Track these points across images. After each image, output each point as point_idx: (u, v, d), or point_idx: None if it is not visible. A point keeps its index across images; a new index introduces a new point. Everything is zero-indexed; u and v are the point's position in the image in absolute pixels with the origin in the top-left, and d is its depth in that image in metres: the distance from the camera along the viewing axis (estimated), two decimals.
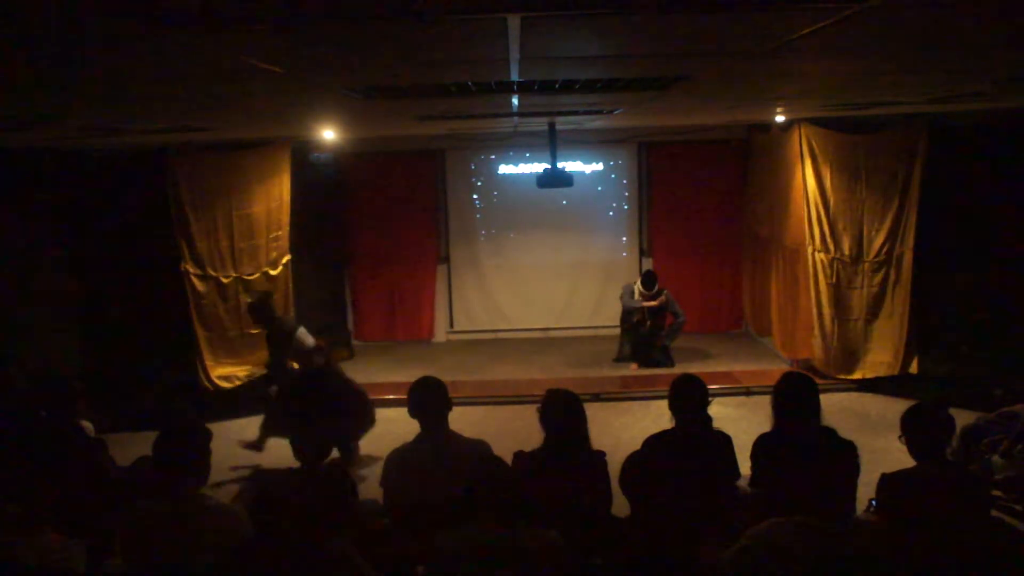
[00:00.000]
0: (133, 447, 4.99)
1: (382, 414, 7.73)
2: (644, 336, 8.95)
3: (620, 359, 9.19)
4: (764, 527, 2.94)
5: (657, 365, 8.86)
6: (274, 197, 8.00)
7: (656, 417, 7.11)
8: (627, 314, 9.05)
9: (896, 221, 7.64)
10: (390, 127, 7.39)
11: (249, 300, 6.84)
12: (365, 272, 10.37)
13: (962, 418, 4.88)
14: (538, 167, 8.67)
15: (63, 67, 2.72)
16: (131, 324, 7.71)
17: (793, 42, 2.61)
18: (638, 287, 8.97)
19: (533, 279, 10.53)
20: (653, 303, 8.87)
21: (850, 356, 7.89)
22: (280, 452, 4.30)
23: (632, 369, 8.95)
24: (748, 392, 8.01)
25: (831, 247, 7.81)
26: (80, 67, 2.74)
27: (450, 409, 3.99)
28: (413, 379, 4.07)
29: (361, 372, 9.26)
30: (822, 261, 7.83)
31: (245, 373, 7.97)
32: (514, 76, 3.44)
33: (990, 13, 2.34)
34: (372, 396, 8.31)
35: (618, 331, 9.30)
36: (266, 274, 8.00)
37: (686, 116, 7.37)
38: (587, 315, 10.48)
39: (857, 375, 7.89)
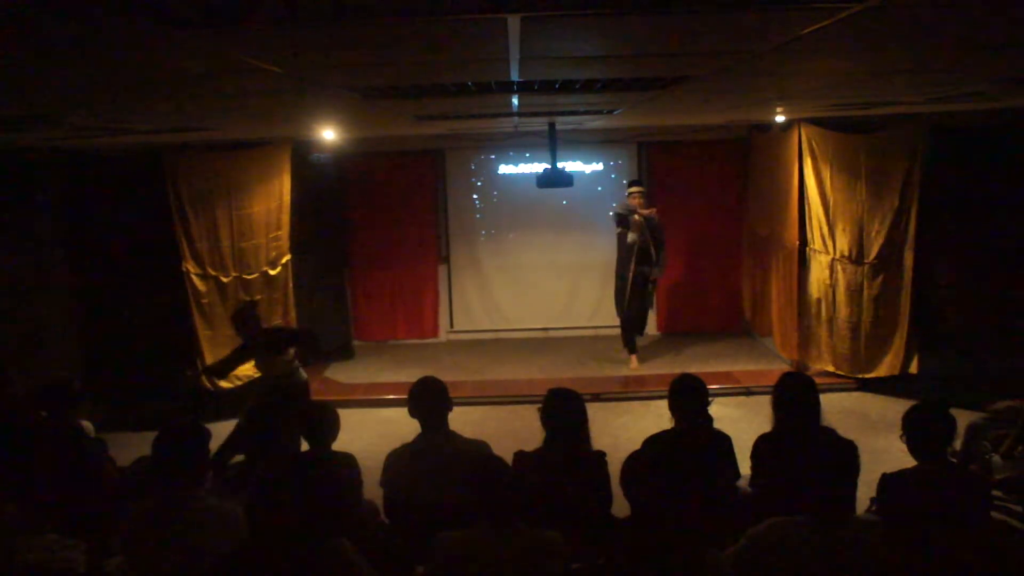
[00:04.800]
0: (133, 447, 5.00)
1: (382, 414, 7.75)
2: (637, 309, 8.90)
3: (625, 326, 9.02)
4: (764, 527, 2.94)
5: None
6: (274, 197, 8.00)
7: (656, 417, 7.10)
8: (620, 221, 8.71)
9: (896, 221, 7.59)
10: (390, 127, 7.39)
11: None
12: (365, 272, 10.37)
13: (962, 418, 4.87)
14: (538, 167, 8.65)
15: (64, 67, 2.72)
16: (131, 324, 7.71)
17: (793, 42, 2.61)
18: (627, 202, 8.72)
19: (533, 279, 10.53)
20: (647, 212, 8.58)
21: (851, 358, 7.87)
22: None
23: (632, 368, 8.95)
24: (748, 392, 8.01)
25: (831, 248, 7.79)
26: (81, 67, 2.73)
27: (450, 409, 4.00)
28: (413, 379, 4.08)
29: (361, 372, 9.28)
30: (821, 262, 7.82)
31: (245, 373, 7.96)
32: (514, 76, 3.44)
33: (990, 13, 2.34)
34: (372, 396, 8.35)
35: (619, 331, 9.26)
36: (265, 274, 8.00)
37: (686, 116, 7.36)
38: (587, 315, 10.47)
39: (858, 377, 7.86)
